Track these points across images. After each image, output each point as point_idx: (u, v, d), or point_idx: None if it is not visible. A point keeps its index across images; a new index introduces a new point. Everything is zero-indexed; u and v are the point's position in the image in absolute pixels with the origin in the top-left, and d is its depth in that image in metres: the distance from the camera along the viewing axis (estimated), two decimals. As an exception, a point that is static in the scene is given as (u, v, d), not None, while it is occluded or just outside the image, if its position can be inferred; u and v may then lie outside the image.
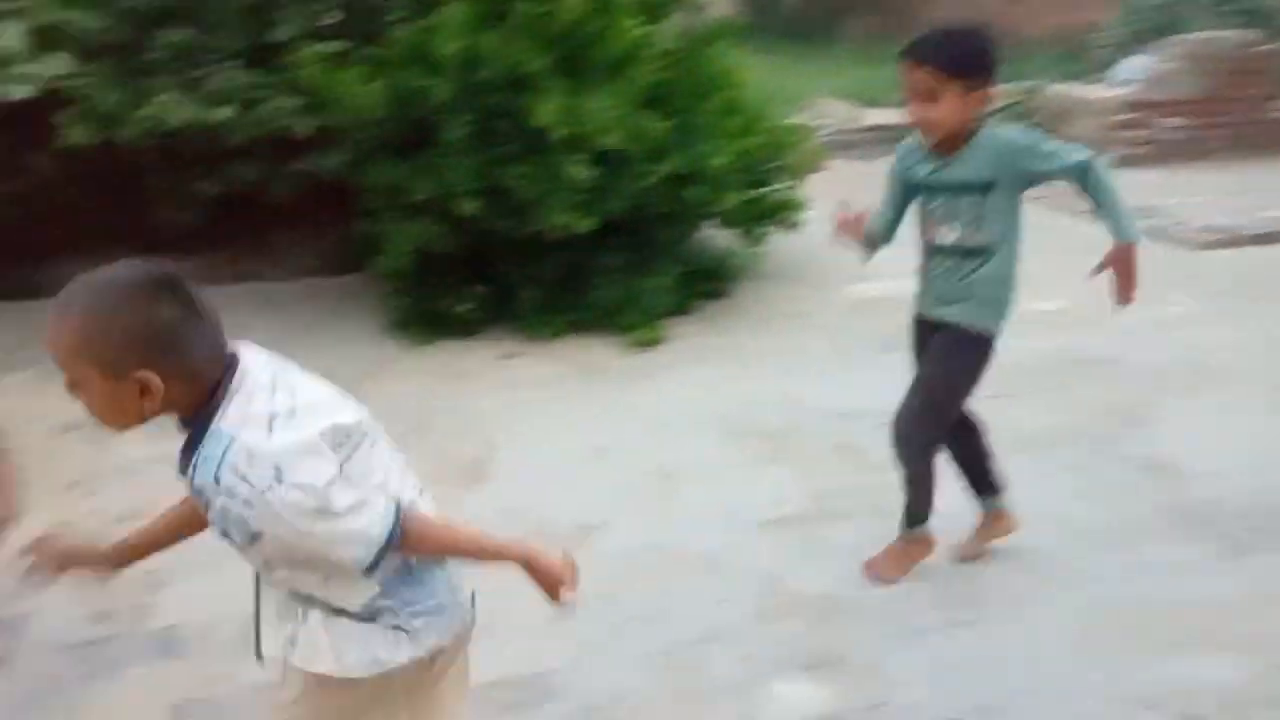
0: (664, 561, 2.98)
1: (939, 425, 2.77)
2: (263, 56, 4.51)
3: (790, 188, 5.31)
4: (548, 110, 4.14)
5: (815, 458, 3.58)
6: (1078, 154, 2.51)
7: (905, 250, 5.76)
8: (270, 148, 4.61)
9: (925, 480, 2.80)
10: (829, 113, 10.93)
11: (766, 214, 5.25)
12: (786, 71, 11.48)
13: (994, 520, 2.95)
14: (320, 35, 4.53)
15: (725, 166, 4.63)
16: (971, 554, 2.94)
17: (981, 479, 2.92)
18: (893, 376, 4.21)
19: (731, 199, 4.77)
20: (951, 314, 2.67)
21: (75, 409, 4.07)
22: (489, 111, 4.42)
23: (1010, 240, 2.62)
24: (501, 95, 4.33)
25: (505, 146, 4.44)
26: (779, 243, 5.43)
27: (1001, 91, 2.62)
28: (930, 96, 2.48)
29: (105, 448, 3.72)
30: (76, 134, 4.26)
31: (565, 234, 4.44)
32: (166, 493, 3.35)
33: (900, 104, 8.05)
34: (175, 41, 4.25)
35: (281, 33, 4.39)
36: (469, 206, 4.35)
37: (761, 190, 5.23)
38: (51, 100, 5.26)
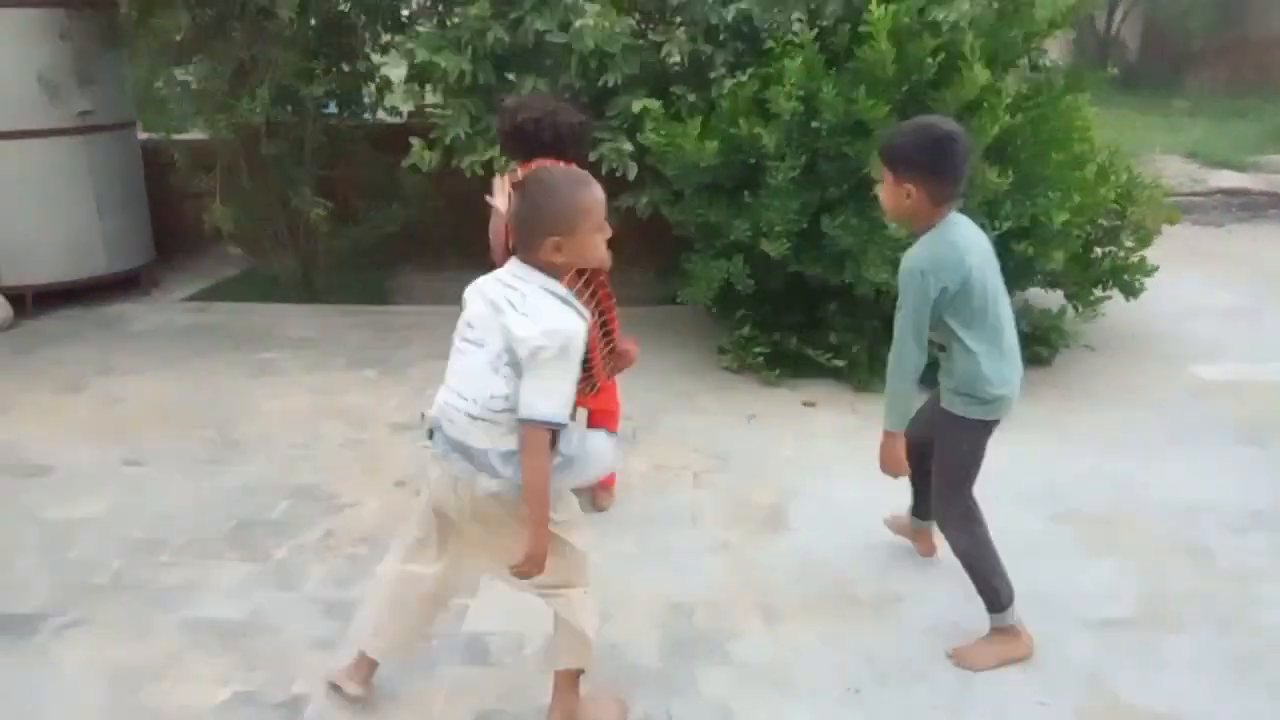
0: (974, 645, 2.77)
1: (960, 499, 2.78)
2: (598, 102, 4.72)
3: (1134, 249, 4.87)
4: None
5: (1151, 553, 3.22)
6: (900, 332, 2.60)
7: (1263, 337, 5.21)
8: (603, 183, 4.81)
9: (980, 561, 2.73)
10: (1167, 171, 10.08)
11: (1105, 277, 4.85)
12: (1122, 124, 10.71)
13: (920, 534, 3.17)
14: (650, 83, 4.67)
15: (1066, 223, 4.32)
16: (894, 526, 3.27)
17: (924, 502, 3.04)
18: (1244, 471, 3.78)
19: (1060, 257, 4.43)
20: (939, 393, 2.73)
21: (411, 410, 4.42)
22: (817, 154, 4.38)
23: (959, 340, 2.60)
24: (834, 139, 4.28)
25: (831, 188, 4.39)
26: (1112, 310, 5.01)
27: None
28: (884, 180, 2.64)
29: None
30: (420, 158, 4.63)
31: (879, 290, 4.30)
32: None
33: (1249, 168, 7.28)
34: (526, 86, 4.52)
35: (613, 79, 4.56)
36: (776, 247, 4.32)
37: (1105, 250, 4.84)
38: (413, 127, 5.80)
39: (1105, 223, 4.90)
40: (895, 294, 4.31)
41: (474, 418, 2.16)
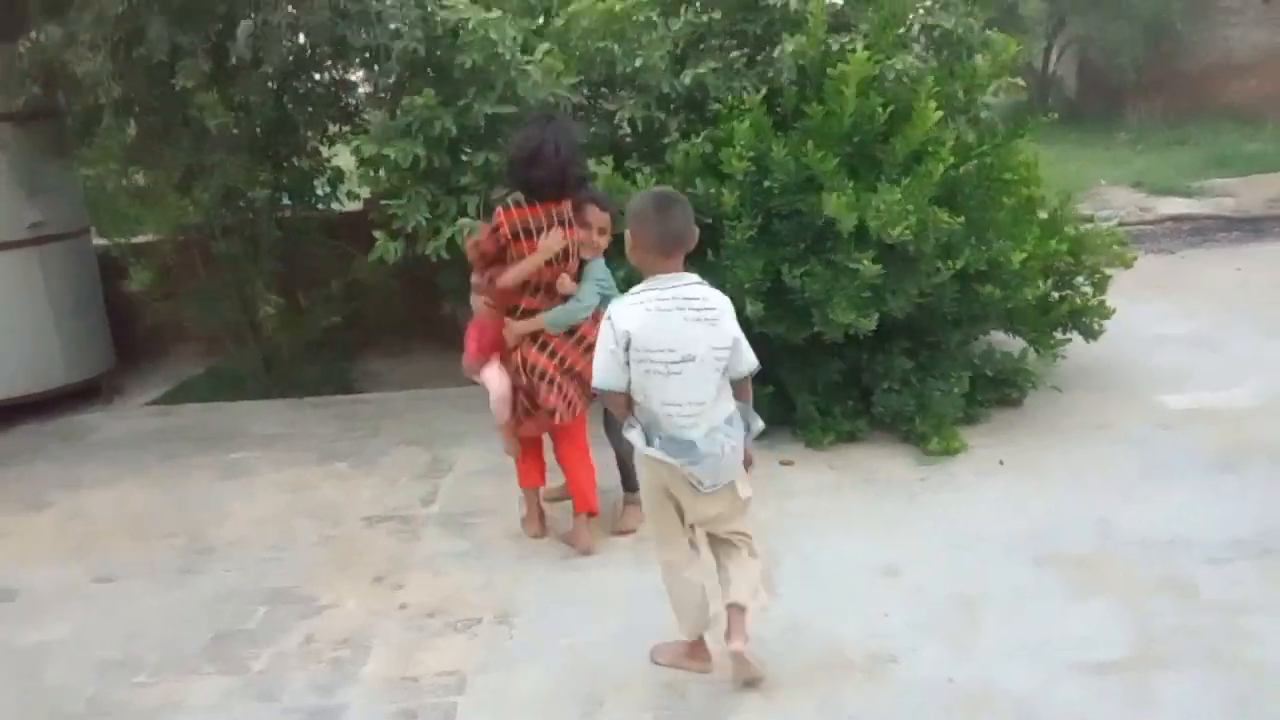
0: (970, 702, 2.73)
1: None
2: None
3: (1093, 292, 4.96)
4: (837, 203, 4.10)
5: (1137, 592, 3.21)
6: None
7: (1226, 361, 5.28)
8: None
9: (630, 456, 3.40)
10: (1116, 201, 10.30)
11: (1064, 321, 4.92)
12: (1067, 158, 10.95)
13: (631, 506, 3.86)
14: (602, 151, 4.72)
15: (1024, 265, 4.39)
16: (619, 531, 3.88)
17: (629, 476, 3.84)
18: (1221, 501, 3.80)
19: (1026, 296, 4.50)
20: None
21: (385, 501, 4.45)
22: (773, 214, 4.43)
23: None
24: (788, 197, 4.33)
25: (788, 247, 4.42)
26: (1076, 346, 5.06)
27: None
28: (603, 231, 3.65)
29: (411, 541, 3.93)
30: (385, 250, 4.61)
31: (848, 333, 4.33)
32: (470, 589, 3.52)
33: (1195, 193, 7.55)
34: (479, 165, 4.55)
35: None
36: (752, 308, 4.34)
37: (1061, 294, 4.92)
38: (369, 214, 5.80)
39: (1061, 266, 4.97)
40: (857, 339, 4.43)
41: (713, 402, 2.69)
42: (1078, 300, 4.98)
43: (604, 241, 3.69)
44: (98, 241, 6.34)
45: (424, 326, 6.51)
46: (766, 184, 4.35)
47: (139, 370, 6.60)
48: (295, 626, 3.36)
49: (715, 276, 4.42)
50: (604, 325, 2.73)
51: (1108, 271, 5.06)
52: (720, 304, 2.71)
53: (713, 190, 4.31)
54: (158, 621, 3.46)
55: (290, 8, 4.86)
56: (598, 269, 3.70)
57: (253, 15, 4.70)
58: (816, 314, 4.35)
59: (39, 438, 5.53)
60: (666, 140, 4.53)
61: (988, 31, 4.84)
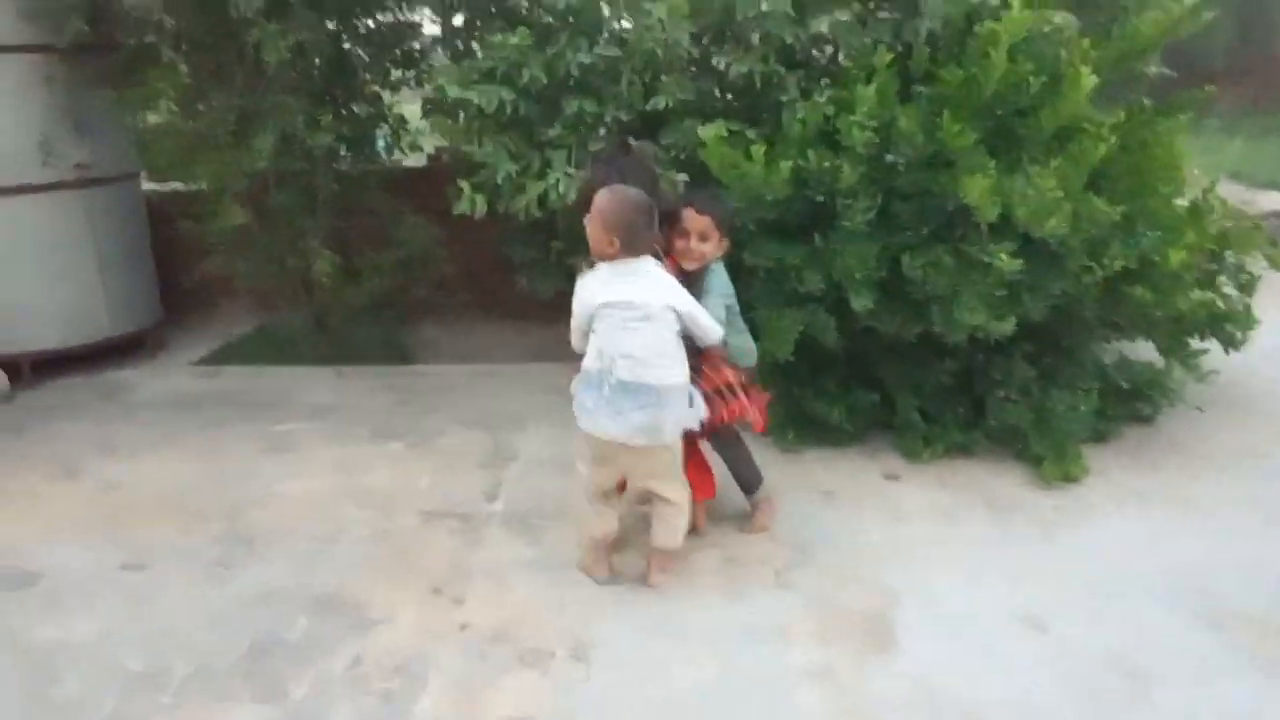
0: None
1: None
2: (649, 129, 4.26)
3: (1238, 296, 4.38)
4: (978, 188, 3.55)
5: (1331, 667, 2.72)
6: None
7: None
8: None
9: (740, 463, 3.59)
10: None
11: (1202, 327, 4.33)
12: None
13: (758, 507, 3.62)
14: (702, 109, 4.22)
15: (1183, 263, 3.84)
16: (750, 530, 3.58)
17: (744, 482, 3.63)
18: None
19: (1184, 303, 3.96)
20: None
21: (443, 493, 4.01)
22: (891, 193, 3.89)
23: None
24: (913, 175, 3.79)
25: (909, 232, 3.89)
26: (1211, 359, 4.50)
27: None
28: (703, 237, 3.24)
29: (472, 544, 3.51)
30: (470, 203, 4.16)
31: (971, 336, 3.82)
32: (540, 609, 3.09)
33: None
34: (572, 114, 4.06)
35: (666, 101, 4.10)
36: (862, 301, 3.83)
37: (1204, 295, 4.34)
38: (435, 169, 5.36)
39: (1201, 263, 4.39)
40: (976, 340, 3.93)
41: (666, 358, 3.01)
42: (1220, 304, 4.40)
43: (709, 248, 3.27)
44: (148, 187, 5.96)
45: (487, 297, 6.09)
46: (889, 159, 3.83)
47: (186, 325, 6.25)
48: (342, 644, 2.95)
49: (821, 263, 3.92)
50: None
51: (1255, 272, 4.47)
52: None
53: (831, 163, 3.78)
54: (190, 623, 3.08)
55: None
56: (714, 280, 3.27)
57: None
58: (938, 311, 3.83)
59: (77, 394, 5.18)
60: (784, 98, 3.99)
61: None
